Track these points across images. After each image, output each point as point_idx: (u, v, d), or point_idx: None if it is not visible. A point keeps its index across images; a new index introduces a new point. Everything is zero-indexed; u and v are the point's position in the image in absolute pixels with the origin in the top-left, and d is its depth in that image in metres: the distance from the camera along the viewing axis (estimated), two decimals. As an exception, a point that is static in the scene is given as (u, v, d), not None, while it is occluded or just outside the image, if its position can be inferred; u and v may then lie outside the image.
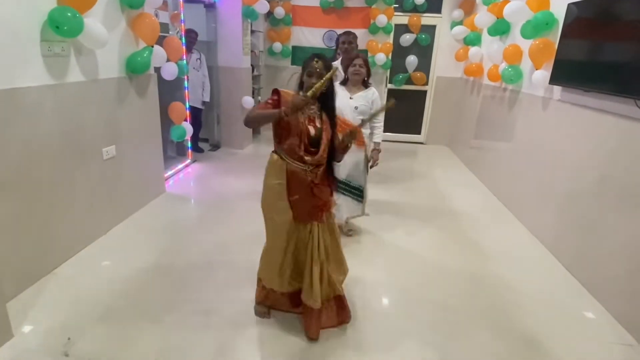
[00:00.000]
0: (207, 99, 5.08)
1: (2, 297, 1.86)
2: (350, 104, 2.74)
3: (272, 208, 1.96)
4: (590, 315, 2.32)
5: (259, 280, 2.14)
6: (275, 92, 1.84)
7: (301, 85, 1.89)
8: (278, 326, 2.08)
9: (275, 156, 1.89)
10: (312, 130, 1.84)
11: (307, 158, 1.82)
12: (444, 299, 2.39)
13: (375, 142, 2.92)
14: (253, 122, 1.88)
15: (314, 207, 1.90)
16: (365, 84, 2.82)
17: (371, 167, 2.95)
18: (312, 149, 1.84)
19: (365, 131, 2.83)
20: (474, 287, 2.54)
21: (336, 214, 2.82)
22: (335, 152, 1.93)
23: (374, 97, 2.82)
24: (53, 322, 2.02)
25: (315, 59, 1.81)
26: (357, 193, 2.94)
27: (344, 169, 2.81)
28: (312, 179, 1.86)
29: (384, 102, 3.33)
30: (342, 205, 2.92)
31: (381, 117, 2.90)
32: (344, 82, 2.84)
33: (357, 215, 3.03)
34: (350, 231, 3.12)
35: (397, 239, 3.14)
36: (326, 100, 1.86)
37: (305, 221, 1.92)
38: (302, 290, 1.99)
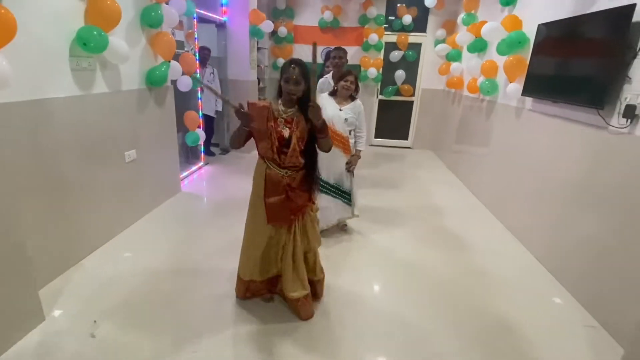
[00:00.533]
0: (220, 109, 5.09)
1: (35, 285, 1.86)
2: (340, 115, 2.67)
3: (253, 207, 1.93)
4: (558, 301, 2.33)
5: (239, 276, 2.07)
6: (247, 104, 1.76)
7: (280, 91, 1.80)
8: (282, 308, 2.08)
9: (259, 159, 1.87)
10: (285, 133, 1.75)
11: (277, 158, 1.75)
12: (426, 286, 2.40)
13: (357, 150, 2.83)
14: (233, 143, 1.82)
15: (288, 211, 1.82)
16: (352, 97, 2.77)
17: (347, 170, 2.80)
18: (285, 150, 1.75)
19: (351, 140, 2.77)
20: (454, 276, 2.54)
21: (327, 216, 2.82)
22: (318, 145, 1.81)
23: (360, 109, 2.78)
24: (80, 307, 2.02)
25: (292, 66, 1.70)
26: (347, 197, 2.86)
27: (333, 174, 2.76)
28: (288, 182, 1.79)
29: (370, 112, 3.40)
30: (333, 208, 2.84)
31: (365, 128, 2.84)
32: (333, 93, 2.76)
33: (347, 218, 2.96)
34: (345, 226, 3.09)
35: (385, 232, 3.13)
36: (304, 102, 1.72)
37: (276, 223, 1.85)
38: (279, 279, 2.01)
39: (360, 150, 2.85)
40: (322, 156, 2.50)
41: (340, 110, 2.68)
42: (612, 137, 2.15)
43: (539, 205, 2.85)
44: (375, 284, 2.43)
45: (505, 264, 2.74)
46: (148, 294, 2.16)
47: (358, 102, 2.79)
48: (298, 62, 1.73)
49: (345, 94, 2.70)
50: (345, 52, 3.21)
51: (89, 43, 2.22)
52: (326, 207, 2.80)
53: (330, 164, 2.71)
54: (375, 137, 6.53)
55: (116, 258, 2.53)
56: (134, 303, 2.08)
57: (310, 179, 1.85)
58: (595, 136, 2.29)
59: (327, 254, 2.62)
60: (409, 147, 6.56)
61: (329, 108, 2.60)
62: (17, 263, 1.74)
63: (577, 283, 2.35)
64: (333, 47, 3.30)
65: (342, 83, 2.66)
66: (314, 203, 1.97)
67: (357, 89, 2.75)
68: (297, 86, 1.71)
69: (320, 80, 3.17)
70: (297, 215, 1.88)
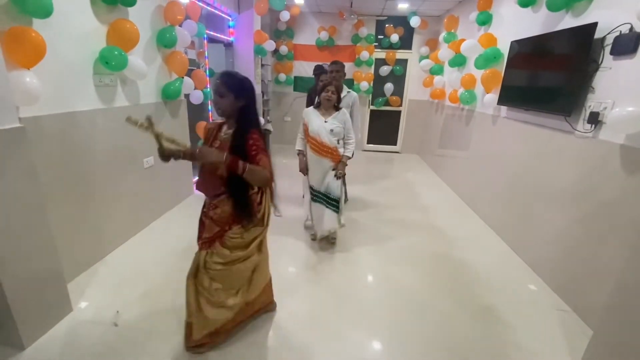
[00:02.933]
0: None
1: (63, 279, 1.84)
2: (325, 127, 2.46)
3: None
4: (533, 288, 2.33)
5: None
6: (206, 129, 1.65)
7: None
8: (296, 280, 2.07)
9: None
10: None
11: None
12: (413, 277, 2.39)
13: (344, 155, 2.53)
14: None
15: (203, 238, 1.59)
16: (336, 107, 2.52)
17: (336, 176, 2.51)
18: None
19: (340, 149, 2.53)
20: (439, 266, 2.54)
21: (320, 226, 2.61)
22: (243, 179, 1.39)
23: (345, 117, 2.51)
24: (104, 299, 2.00)
25: (218, 80, 1.43)
26: (334, 204, 2.58)
27: (322, 181, 2.54)
28: (207, 209, 1.57)
29: (357, 120, 3.08)
30: (324, 217, 2.57)
31: (353, 134, 2.61)
32: (317, 106, 2.54)
33: (335, 229, 2.63)
34: (333, 239, 2.77)
35: (375, 227, 3.13)
36: (240, 122, 1.48)
37: (200, 248, 1.61)
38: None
39: (347, 157, 2.54)
40: (312, 165, 2.54)
41: (325, 122, 2.47)
42: (578, 141, 2.16)
43: (513, 201, 2.86)
44: (367, 271, 2.42)
45: (484, 253, 2.74)
46: (165, 286, 2.15)
47: (342, 110, 2.54)
48: (224, 75, 1.44)
49: (327, 105, 2.48)
50: (342, 66, 2.99)
51: (110, 62, 2.22)
52: (319, 216, 2.61)
53: (319, 173, 2.54)
54: (368, 142, 6.54)
55: (136, 254, 2.52)
56: (153, 294, 2.07)
57: (239, 208, 1.48)
58: (562, 140, 2.30)
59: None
60: (397, 152, 6.57)
61: (313, 121, 2.47)
62: (48, 259, 1.73)
63: (550, 271, 2.35)
64: (329, 63, 3.04)
65: (323, 94, 2.46)
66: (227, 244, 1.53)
67: (339, 99, 2.53)
68: (220, 99, 1.43)
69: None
70: (211, 244, 1.54)
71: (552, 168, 2.39)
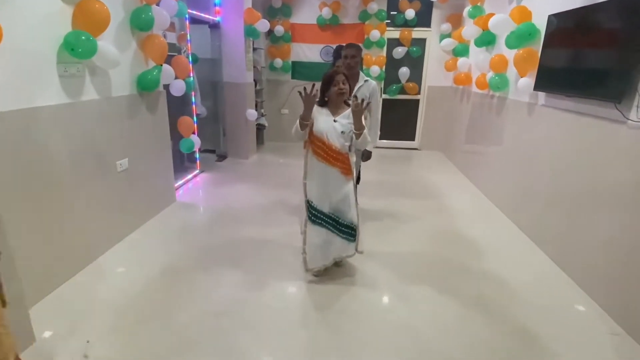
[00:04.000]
0: (199, 112, 4.77)
1: (24, 304, 1.86)
2: (335, 127, 2.24)
3: None
4: (581, 308, 2.31)
5: None
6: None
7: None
8: (286, 324, 2.08)
9: None
10: None
11: None
12: (438, 292, 2.39)
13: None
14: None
15: None
16: (347, 102, 2.30)
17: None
18: None
19: (353, 159, 2.34)
20: (468, 283, 2.53)
21: (319, 255, 2.41)
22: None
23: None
24: (72, 327, 2.02)
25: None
26: (348, 232, 2.37)
27: (329, 201, 2.33)
28: None
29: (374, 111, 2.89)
30: (329, 245, 2.38)
31: (374, 126, 2.57)
32: (322, 103, 2.31)
33: (348, 256, 2.46)
34: (340, 261, 2.60)
35: (393, 239, 3.13)
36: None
37: None
38: None
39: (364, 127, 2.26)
40: (314, 178, 2.31)
41: (334, 121, 2.25)
42: (631, 132, 2.14)
43: (554, 205, 2.84)
44: (385, 292, 2.42)
45: (522, 269, 2.72)
46: (143, 311, 2.16)
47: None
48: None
49: (338, 100, 2.26)
50: (359, 50, 2.84)
51: (77, 48, 2.25)
52: (319, 244, 2.38)
53: (324, 188, 2.31)
54: (380, 138, 6.51)
55: (109, 273, 2.54)
56: (128, 321, 2.08)
57: None
58: (613, 131, 2.28)
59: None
60: (416, 149, 6.56)
61: (320, 121, 2.26)
62: (6, 281, 1.75)
63: (600, 288, 2.33)
64: (345, 45, 2.91)
65: (333, 88, 2.22)
66: None
67: (351, 88, 2.36)
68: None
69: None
70: None
71: (601, 164, 2.37)
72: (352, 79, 2.51)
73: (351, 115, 2.19)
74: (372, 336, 2.02)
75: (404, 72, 6.09)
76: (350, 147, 2.29)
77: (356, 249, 2.43)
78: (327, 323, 2.11)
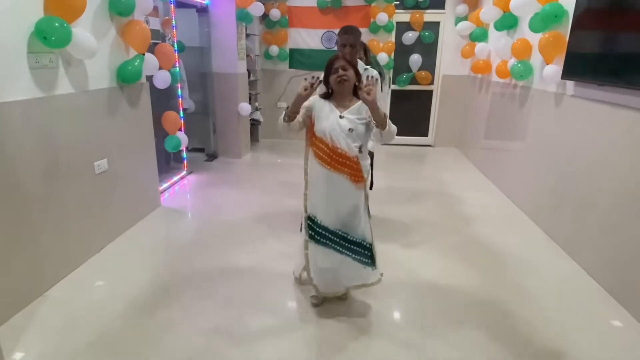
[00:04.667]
0: (186, 106, 4.84)
1: (-8, 323, 1.86)
2: (342, 124, 2.04)
3: None
4: (618, 324, 2.29)
5: None
6: None
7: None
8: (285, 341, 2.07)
9: None
10: None
11: None
12: (458, 312, 2.37)
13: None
14: None
15: None
16: (356, 93, 2.10)
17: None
18: None
19: (365, 162, 2.17)
20: (492, 298, 2.51)
21: (330, 281, 2.26)
22: None
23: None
24: (46, 348, 2.01)
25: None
26: (361, 251, 2.19)
27: (335, 215, 2.14)
28: None
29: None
30: (339, 269, 2.20)
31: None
32: (327, 96, 2.15)
33: (371, 284, 2.26)
34: (344, 295, 2.42)
35: (406, 248, 3.12)
36: None
37: None
38: None
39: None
40: (318, 187, 2.13)
41: (341, 117, 2.06)
42: (673, 125, 2.13)
43: (588, 209, 2.82)
44: (397, 311, 2.42)
45: (552, 281, 2.71)
46: (125, 330, 2.15)
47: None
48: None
49: (343, 89, 2.07)
50: (358, 34, 2.59)
51: (49, 36, 2.25)
52: (328, 268, 2.20)
53: (330, 199, 2.12)
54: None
55: (86, 288, 2.54)
56: (108, 341, 2.07)
57: None
58: (652, 124, 2.27)
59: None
60: (429, 145, 6.56)
61: (323, 118, 2.08)
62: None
63: None
64: (339, 30, 2.70)
65: (332, 76, 2.06)
66: None
67: (358, 75, 2.12)
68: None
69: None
70: None
71: (639, 163, 2.36)
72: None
73: (362, 108, 2.07)
74: None
75: (416, 59, 6.08)
76: (360, 148, 2.10)
77: (377, 277, 2.25)
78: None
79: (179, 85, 4.48)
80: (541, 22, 3.33)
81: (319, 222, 2.15)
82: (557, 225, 3.24)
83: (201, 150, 5.69)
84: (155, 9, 4.05)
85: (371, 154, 2.78)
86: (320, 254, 2.18)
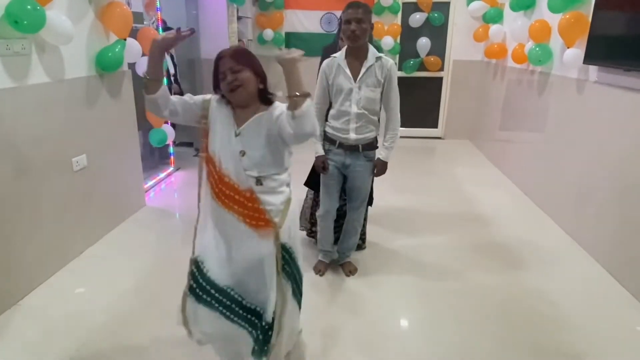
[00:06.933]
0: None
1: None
2: (232, 144, 1.62)
3: None
4: (644, 330, 2.30)
5: None
6: None
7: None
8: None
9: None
10: None
11: None
12: (473, 317, 2.38)
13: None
14: None
15: None
16: (267, 99, 1.67)
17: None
18: None
19: (276, 197, 1.66)
20: (508, 301, 2.53)
21: (228, 352, 1.82)
22: None
23: (281, 110, 1.61)
24: (21, 361, 2.01)
25: None
26: (256, 324, 1.68)
27: (229, 267, 1.67)
28: None
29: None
30: (232, 341, 1.74)
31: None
32: (228, 102, 1.67)
33: None
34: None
35: (415, 246, 3.13)
36: None
37: None
38: None
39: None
40: (208, 223, 1.74)
41: (236, 134, 1.62)
42: None
43: (613, 207, 2.82)
44: (404, 317, 2.42)
45: (573, 283, 2.72)
46: (107, 341, 2.15)
47: (276, 104, 1.67)
48: None
49: (241, 99, 1.63)
50: (367, 11, 2.27)
51: (21, 20, 2.23)
52: (215, 334, 1.73)
53: (219, 244, 1.71)
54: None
55: (65, 295, 2.54)
56: (89, 352, 2.07)
57: None
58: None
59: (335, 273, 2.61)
60: (439, 137, 6.56)
61: (218, 129, 1.66)
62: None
63: (669, 307, 2.31)
64: (347, 5, 2.30)
65: (222, 85, 1.64)
66: None
67: (261, 77, 1.67)
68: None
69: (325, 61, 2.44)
70: None
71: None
72: (359, 54, 2.30)
73: (266, 120, 1.61)
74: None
75: (424, 43, 6.07)
76: (261, 179, 1.60)
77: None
78: None
79: (165, 73, 4.46)
80: (562, 1, 3.32)
81: (205, 271, 1.66)
82: (581, 225, 3.23)
83: (190, 144, 5.68)
84: (138, -11, 4.04)
85: (382, 164, 2.54)
86: (204, 316, 1.67)
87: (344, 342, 2.17)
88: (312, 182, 2.87)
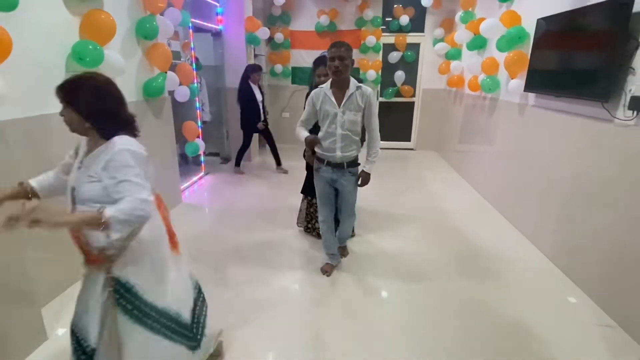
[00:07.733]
0: (207, 119, 4.97)
1: (37, 303, 1.85)
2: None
3: None
4: (573, 300, 2.30)
5: None
6: None
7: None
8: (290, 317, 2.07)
9: None
10: None
11: None
12: (435, 290, 2.38)
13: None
14: None
15: None
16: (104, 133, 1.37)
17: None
18: None
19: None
20: (464, 279, 2.52)
21: None
22: None
23: None
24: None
25: None
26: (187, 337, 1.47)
27: (161, 286, 1.44)
28: None
29: None
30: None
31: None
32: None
33: None
34: None
35: (391, 236, 3.12)
36: None
37: None
38: None
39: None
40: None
41: (79, 167, 1.41)
42: (618, 130, 2.13)
43: (546, 202, 2.83)
44: (382, 291, 2.42)
45: (514, 262, 2.72)
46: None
47: (114, 139, 1.39)
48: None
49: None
50: (348, 49, 2.12)
51: (84, 58, 2.24)
52: None
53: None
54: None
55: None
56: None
57: None
58: (600, 130, 2.27)
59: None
60: (411, 149, 6.55)
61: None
62: (18, 281, 1.74)
63: (591, 281, 2.32)
64: (330, 45, 2.15)
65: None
66: None
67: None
68: None
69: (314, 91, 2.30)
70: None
71: (589, 162, 2.36)
72: (342, 85, 2.18)
73: (96, 161, 1.33)
74: None
75: (400, 75, 6.08)
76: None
77: None
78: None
79: (197, 99, 4.47)
80: (506, 43, 3.34)
81: (77, 322, 1.38)
82: (521, 216, 3.24)
83: (216, 154, 5.68)
84: (176, 33, 4.06)
85: (366, 175, 2.37)
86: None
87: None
88: (307, 189, 2.89)
